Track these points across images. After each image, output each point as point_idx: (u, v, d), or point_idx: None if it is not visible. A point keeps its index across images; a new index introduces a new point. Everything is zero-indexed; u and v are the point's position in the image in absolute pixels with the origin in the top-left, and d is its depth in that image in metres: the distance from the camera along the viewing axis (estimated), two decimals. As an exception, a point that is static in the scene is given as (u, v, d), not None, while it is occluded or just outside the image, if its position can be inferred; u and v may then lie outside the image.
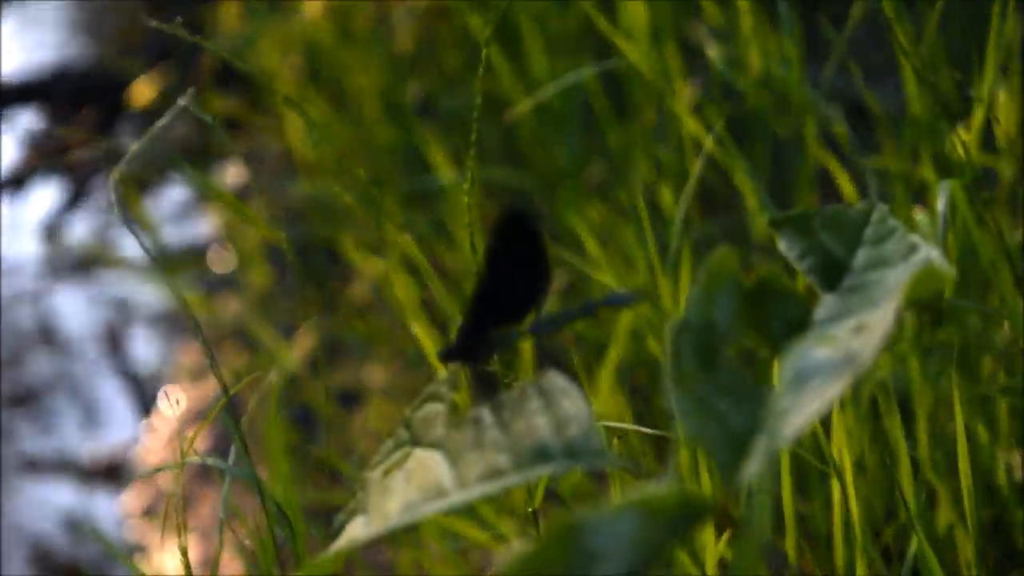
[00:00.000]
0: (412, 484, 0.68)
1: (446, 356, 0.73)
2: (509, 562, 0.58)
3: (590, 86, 1.83)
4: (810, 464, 1.31)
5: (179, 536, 1.05)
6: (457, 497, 0.66)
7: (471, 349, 0.73)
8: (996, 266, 1.14)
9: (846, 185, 1.48)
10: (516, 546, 0.59)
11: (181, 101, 1.30)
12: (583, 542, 0.59)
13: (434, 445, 0.70)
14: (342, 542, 0.69)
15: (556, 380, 0.67)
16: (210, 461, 1.15)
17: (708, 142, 1.57)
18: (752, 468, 0.62)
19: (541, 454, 0.65)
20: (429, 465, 0.68)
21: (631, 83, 1.80)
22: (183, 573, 1.09)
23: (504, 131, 2.06)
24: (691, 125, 1.61)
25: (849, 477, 1.16)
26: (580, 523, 0.59)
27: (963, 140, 0.77)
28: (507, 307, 0.73)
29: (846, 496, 1.15)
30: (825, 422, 1.22)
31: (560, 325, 0.78)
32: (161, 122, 1.32)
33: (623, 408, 1.52)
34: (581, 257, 1.75)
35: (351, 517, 0.71)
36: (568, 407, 0.66)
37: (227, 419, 1.10)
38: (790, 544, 1.19)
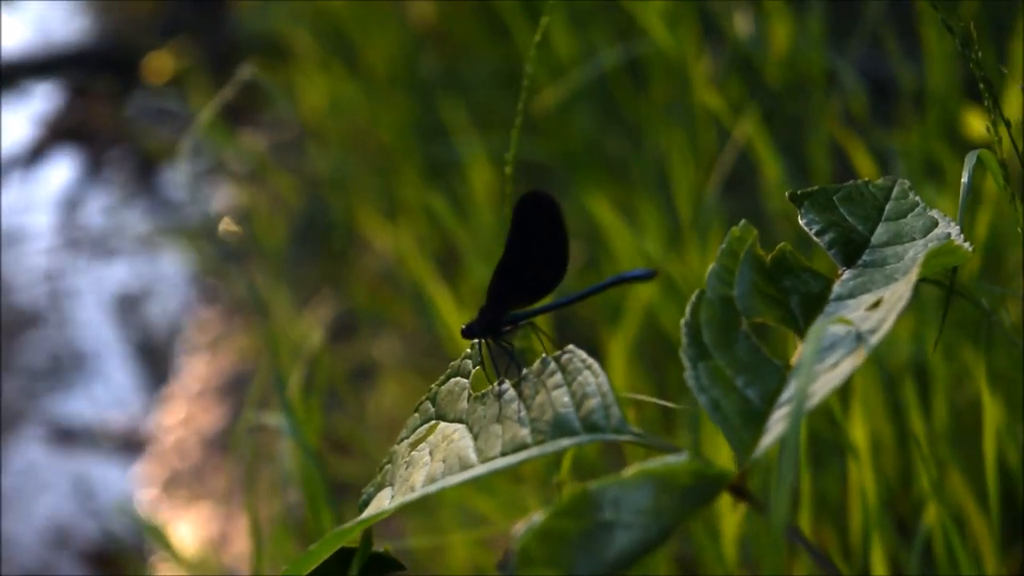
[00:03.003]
0: (437, 457, 0.69)
1: (468, 333, 0.74)
2: (526, 533, 0.59)
3: (608, 60, 1.82)
4: (825, 437, 1.32)
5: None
6: (480, 469, 0.66)
7: (492, 326, 0.74)
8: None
9: (864, 161, 1.48)
10: (533, 517, 0.59)
11: (239, 73, 1.31)
12: (599, 512, 0.59)
13: (458, 419, 0.71)
14: (370, 511, 0.70)
15: (576, 354, 0.68)
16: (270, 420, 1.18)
17: (728, 118, 1.57)
18: (768, 443, 0.62)
19: (562, 428, 0.66)
20: (453, 438, 0.69)
21: (649, 57, 1.80)
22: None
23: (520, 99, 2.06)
24: (710, 100, 1.61)
25: (865, 451, 1.16)
26: (596, 493, 0.60)
27: (994, 117, 0.76)
28: (527, 286, 0.75)
29: (861, 469, 1.15)
30: (843, 396, 1.23)
31: (575, 302, 0.79)
32: (226, 90, 1.33)
33: (640, 382, 1.52)
34: (599, 230, 1.75)
35: (378, 490, 0.72)
36: (588, 381, 0.66)
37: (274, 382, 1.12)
38: (805, 517, 1.19)
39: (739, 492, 0.64)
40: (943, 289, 0.74)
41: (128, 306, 2.80)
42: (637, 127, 1.88)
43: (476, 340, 0.74)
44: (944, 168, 1.44)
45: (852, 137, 1.49)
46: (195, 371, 2.60)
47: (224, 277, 2.64)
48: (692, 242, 1.52)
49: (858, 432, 1.19)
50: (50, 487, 2.32)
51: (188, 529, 2.17)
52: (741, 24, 1.72)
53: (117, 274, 2.92)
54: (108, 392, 2.56)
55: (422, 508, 1.57)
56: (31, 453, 2.41)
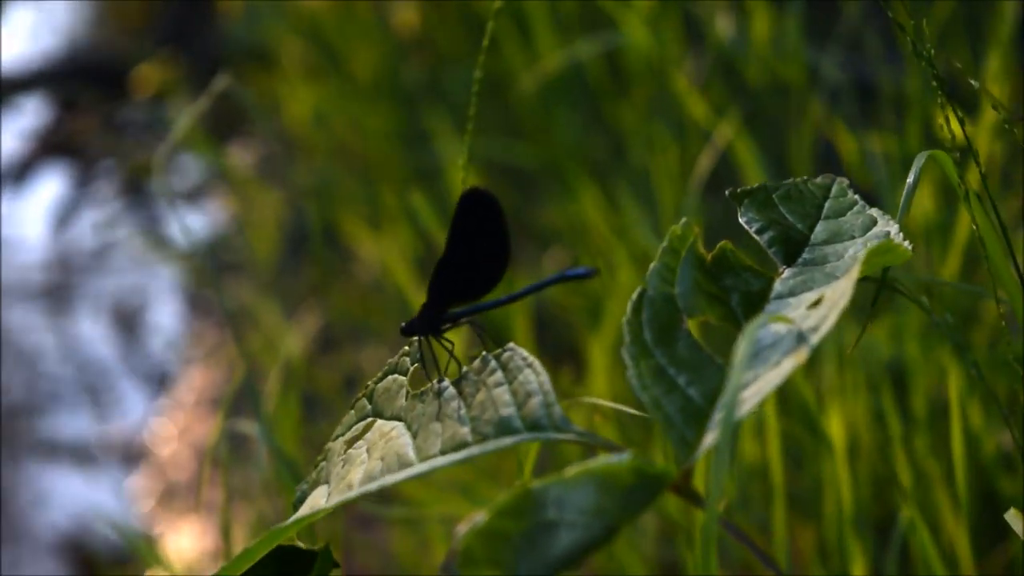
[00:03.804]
0: (375, 455, 0.69)
1: (408, 330, 0.74)
2: (468, 533, 0.59)
3: (590, 62, 1.83)
4: (805, 440, 1.32)
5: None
6: (419, 468, 0.66)
7: (432, 323, 0.74)
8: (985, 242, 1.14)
9: (851, 160, 1.49)
10: (476, 517, 0.59)
11: (216, 84, 1.31)
12: (542, 512, 0.59)
13: (396, 416, 0.71)
14: (304, 510, 0.70)
15: (517, 352, 0.68)
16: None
17: (710, 120, 1.57)
18: (711, 441, 0.62)
19: (504, 427, 0.66)
20: (391, 436, 0.69)
21: (630, 59, 1.80)
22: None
23: (504, 108, 2.07)
24: (691, 102, 1.61)
25: (841, 454, 1.16)
26: (538, 493, 0.60)
27: (955, 116, 0.76)
28: (467, 284, 0.75)
29: (838, 472, 1.15)
30: (821, 399, 1.23)
31: (516, 300, 0.79)
32: (202, 101, 1.32)
33: (623, 385, 1.52)
34: (580, 233, 1.75)
35: (313, 487, 0.72)
36: (530, 379, 0.66)
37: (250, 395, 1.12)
38: (779, 519, 1.19)
39: (682, 491, 0.64)
40: (896, 289, 0.74)
41: (122, 318, 2.80)
42: (620, 131, 1.88)
43: (416, 337, 0.74)
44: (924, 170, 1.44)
45: (843, 131, 1.50)
46: (190, 383, 2.60)
47: (215, 289, 2.64)
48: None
49: (835, 431, 1.19)
50: (46, 500, 2.33)
51: (184, 541, 2.17)
52: (723, 25, 1.73)
53: (110, 287, 2.92)
54: (103, 405, 2.56)
55: (405, 515, 1.56)
56: (27, 466, 2.41)
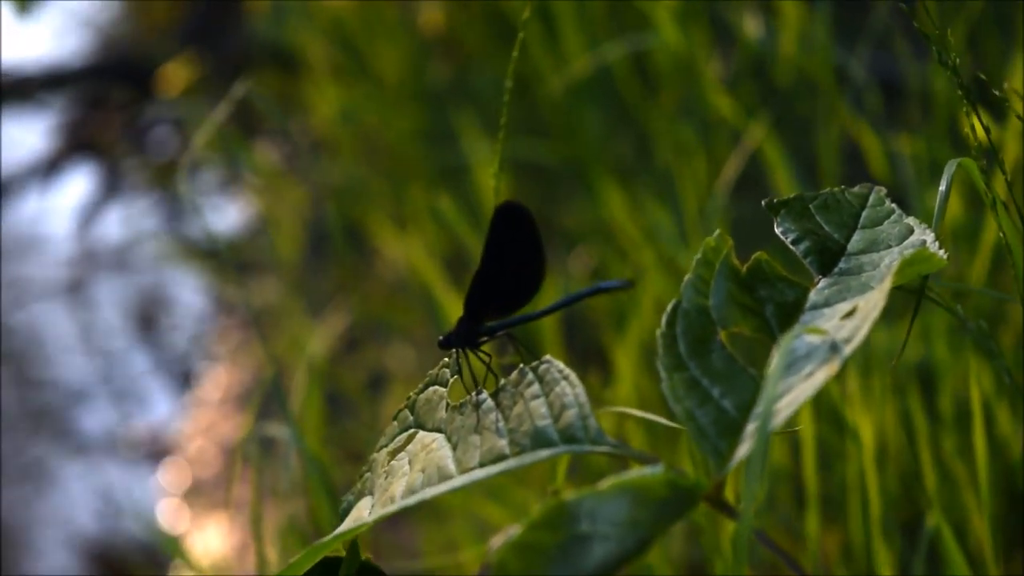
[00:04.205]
0: (416, 467, 0.69)
1: (446, 343, 0.75)
2: (502, 546, 0.59)
3: (616, 62, 1.83)
4: (831, 441, 1.32)
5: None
6: (459, 480, 0.67)
7: (469, 336, 0.75)
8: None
9: (877, 162, 1.48)
10: (510, 530, 0.59)
11: (237, 87, 1.31)
12: (575, 525, 0.60)
13: (437, 428, 0.71)
14: (348, 523, 0.71)
15: (554, 365, 0.68)
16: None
17: (739, 119, 1.57)
18: (744, 453, 0.63)
19: (540, 439, 0.66)
20: (432, 448, 0.70)
21: (658, 59, 1.79)
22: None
23: (530, 107, 2.07)
24: (720, 102, 1.61)
25: (870, 456, 1.16)
26: (572, 506, 0.60)
27: (980, 125, 0.76)
28: (503, 297, 0.75)
29: (866, 474, 1.15)
30: (851, 402, 1.23)
31: (551, 313, 0.80)
32: (228, 101, 1.33)
33: (649, 388, 1.52)
34: (607, 235, 1.75)
35: (358, 498, 0.72)
36: (566, 392, 0.67)
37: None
38: (812, 520, 1.19)
39: (716, 503, 0.64)
40: (929, 298, 0.74)
41: (147, 316, 2.81)
42: (646, 130, 1.88)
43: (454, 350, 0.75)
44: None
45: (868, 133, 1.49)
46: (216, 380, 2.61)
47: (239, 288, 2.65)
48: (699, 245, 1.51)
49: (864, 433, 1.19)
50: (72, 496, 2.34)
51: (209, 538, 2.18)
52: (751, 25, 1.72)
53: (135, 284, 2.94)
54: (130, 402, 2.58)
55: (433, 516, 1.57)
56: (54, 462, 2.43)
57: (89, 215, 3.20)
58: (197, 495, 2.33)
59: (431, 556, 1.59)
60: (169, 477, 2.38)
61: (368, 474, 0.73)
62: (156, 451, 2.45)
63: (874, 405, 1.23)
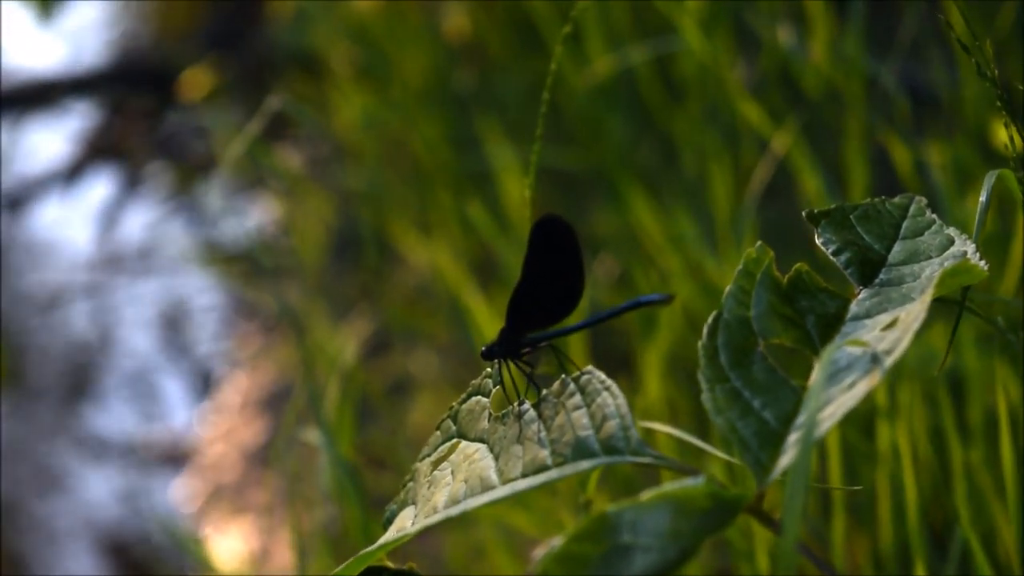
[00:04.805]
0: (459, 477, 0.70)
1: (488, 354, 0.76)
2: (545, 556, 0.59)
3: (641, 69, 1.82)
4: (857, 450, 1.32)
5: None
6: (501, 491, 0.67)
7: (512, 347, 0.75)
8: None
9: (905, 171, 1.48)
10: (552, 541, 0.59)
11: (272, 99, 1.32)
12: (617, 536, 0.60)
13: (479, 438, 0.71)
14: (391, 533, 0.71)
15: (595, 376, 0.68)
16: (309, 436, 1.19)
17: (766, 127, 1.57)
18: (785, 464, 0.63)
19: (582, 450, 0.66)
20: (475, 458, 0.70)
21: (682, 65, 1.79)
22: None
23: (555, 113, 2.07)
24: (746, 109, 1.60)
25: (908, 465, 1.16)
26: (614, 517, 0.60)
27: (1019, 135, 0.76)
28: (545, 309, 0.76)
29: (900, 483, 1.15)
30: (882, 411, 1.23)
31: (592, 325, 0.81)
32: (262, 113, 1.33)
33: (676, 395, 1.52)
34: (632, 241, 1.75)
35: (401, 508, 0.73)
36: (607, 403, 0.67)
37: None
38: (838, 528, 1.19)
39: (757, 514, 0.64)
40: (966, 308, 0.74)
41: (169, 320, 2.82)
42: (671, 137, 1.88)
43: (496, 361, 0.75)
44: (979, 181, 1.42)
45: (898, 143, 1.49)
46: (236, 385, 2.61)
47: (261, 292, 2.66)
48: (729, 253, 1.51)
49: (901, 442, 1.18)
50: (94, 501, 2.34)
51: (230, 543, 2.18)
52: (780, 32, 1.72)
53: (158, 289, 2.94)
54: (150, 406, 2.58)
55: (459, 521, 1.57)
56: (75, 467, 2.43)
57: (111, 219, 3.21)
58: (217, 500, 2.33)
59: (457, 563, 1.59)
60: (189, 482, 2.39)
61: (411, 484, 0.74)
62: (176, 456, 2.46)
63: (904, 414, 1.23)
